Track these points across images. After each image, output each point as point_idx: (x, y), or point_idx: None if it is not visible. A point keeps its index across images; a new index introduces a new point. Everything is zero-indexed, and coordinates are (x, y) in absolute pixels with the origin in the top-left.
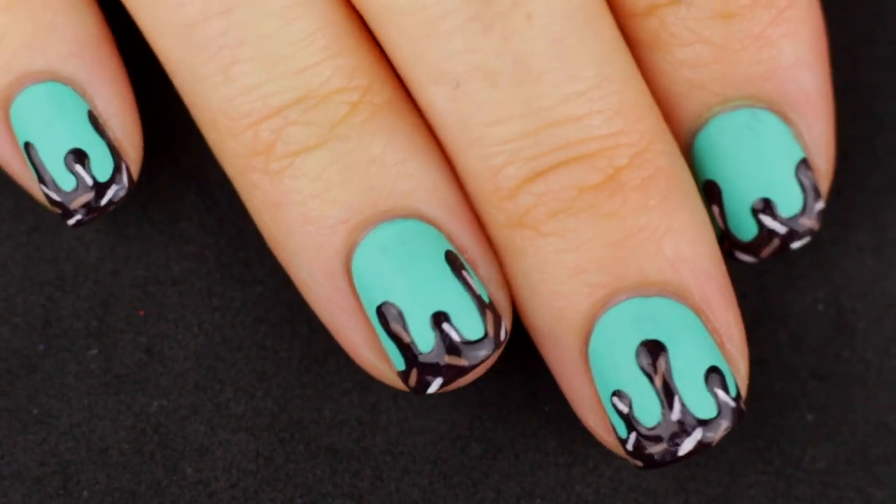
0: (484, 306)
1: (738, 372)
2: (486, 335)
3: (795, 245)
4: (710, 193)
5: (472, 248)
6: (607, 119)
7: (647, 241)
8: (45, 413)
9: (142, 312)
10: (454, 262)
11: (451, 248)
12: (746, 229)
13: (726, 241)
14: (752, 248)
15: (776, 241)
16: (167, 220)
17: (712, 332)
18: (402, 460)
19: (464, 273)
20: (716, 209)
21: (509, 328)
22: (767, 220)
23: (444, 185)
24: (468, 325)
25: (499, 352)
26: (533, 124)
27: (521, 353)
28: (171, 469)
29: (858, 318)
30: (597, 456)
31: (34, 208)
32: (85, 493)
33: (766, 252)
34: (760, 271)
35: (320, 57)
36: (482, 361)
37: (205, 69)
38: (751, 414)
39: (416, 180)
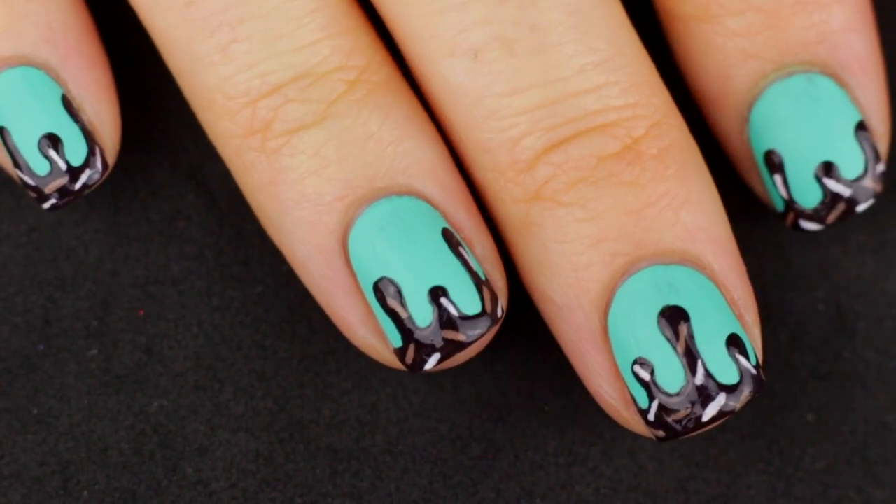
0: (480, 283)
1: (755, 341)
2: (483, 311)
3: (860, 208)
4: (771, 163)
5: (467, 227)
6: (623, 90)
7: (665, 210)
8: (45, 413)
9: (141, 312)
10: (451, 239)
11: (447, 225)
12: (811, 195)
13: (791, 211)
14: (817, 214)
15: (841, 205)
16: (167, 220)
17: (730, 302)
18: (402, 460)
19: (460, 250)
20: (778, 178)
21: (505, 307)
22: (831, 184)
23: (440, 165)
24: (466, 300)
25: (495, 329)
26: (551, 94)
27: (521, 354)
28: (171, 469)
29: (858, 318)
30: (597, 456)
31: (34, 208)
32: (85, 493)
33: (832, 217)
34: (760, 271)
35: (319, 35)
36: (479, 337)
37: (203, 47)
38: (751, 414)
39: (413, 158)
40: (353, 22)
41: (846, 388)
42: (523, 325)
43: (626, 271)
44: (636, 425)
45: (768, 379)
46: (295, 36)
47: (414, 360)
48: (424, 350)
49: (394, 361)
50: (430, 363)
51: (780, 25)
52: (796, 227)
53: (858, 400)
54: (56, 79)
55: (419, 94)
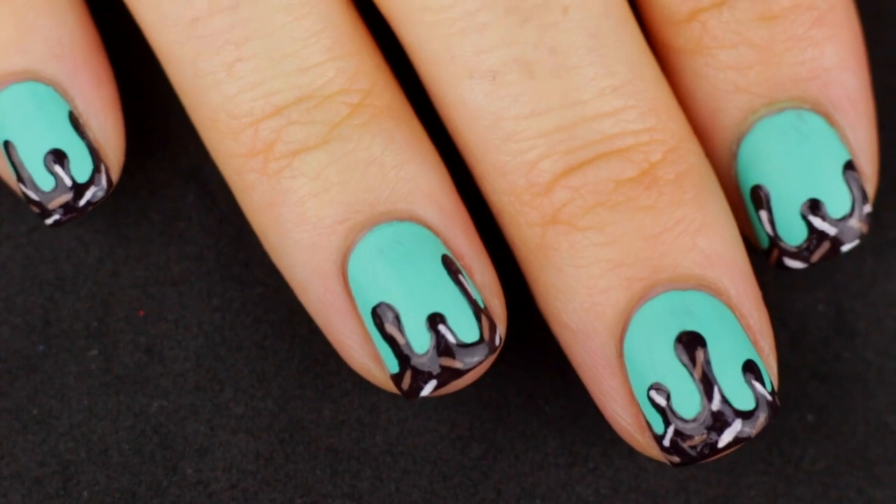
0: (479, 311)
1: (771, 369)
2: (481, 339)
3: (845, 248)
4: (757, 198)
5: (468, 255)
6: (641, 115)
7: (682, 235)
8: (45, 413)
9: (142, 313)
10: (450, 266)
11: (447, 252)
12: (796, 233)
13: (775, 248)
14: (802, 253)
15: (826, 244)
16: (167, 221)
17: (746, 328)
18: (402, 460)
19: (460, 277)
20: (764, 214)
21: (503, 335)
22: (817, 222)
23: (441, 191)
24: (464, 327)
25: (492, 358)
26: (569, 117)
27: (521, 354)
28: (171, 469)
29: (858, 318)
30: (597, 456)
31: None
32: (85, 493)
33: (816, 256)
34: (761, 271)
35: (324, 57)
36: (476, 365)
37: (208, 65)
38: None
39: (414, 183)
40: (359, 44)
41: (846, 389)
42: (523, 325)
43: (643, 296)
44: (651, 450)
45: None
46: (300, 56)
47: (410, 386)
48: (421, 377)
49: (390, 386)
50: (427, 390)
51: (772, 60)
52: (780, 264)
53: (858, 400)
54: (63, 95)
55: (422, 118)
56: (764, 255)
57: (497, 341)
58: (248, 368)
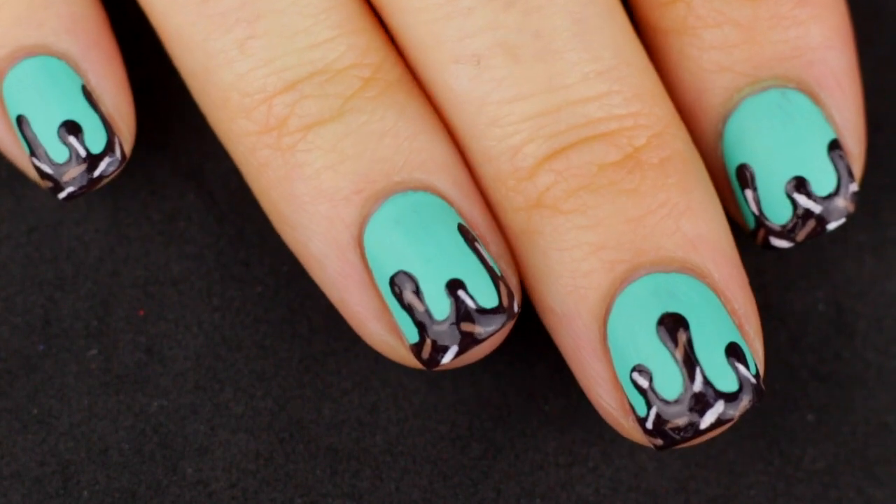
0: (497, 278)
1: (756, 353)
2: (500, 305)
3: (831, 226)
4: (743, 178)
5: (482, 225)
6: (626, 100)
7: (666, 218)
8: (45, 413)
9: (141, 312)
10: (467, 235)
11: (462, 221)
12: (781, 211)
13: (761, 228)
14: (787, 231)
15: (812, 222)
16: (167, 220)
17: (731, 312)
18: (402, 460)
19: (476, 245)
20: (749, 193)
21: (520, 304)
22: (802, 200)
23: (453, 162)
24: (483, 293)
25: (510, 325)
26: (553, 101)
27: (520, 354)
28: (171, 469)
29: (858, 318)
30: (597, 456)
31: (35, 208)
32: (85, 493)
33: (801, 234)
34: (760, 271)
35: (335, 33)
36: (495, 332)
37: (219, 44)
38: (751, 414)
39: (428, 154)
40: (366, 22)
41: (846, 389)
42: (523, 325)
43: (626, 279)
44: (635, 434)
45: (768, 379)
46: (311, 32)
47: (430, 355)
48: (441, 344)
49: (409, 358)
50: (447, 357)
51: (755, 39)
52: (766, 244)
53: (858, 400)
54: (76, 69)
55: None
56: (751, 237)
57: (515, 308)
58: (247, 368)
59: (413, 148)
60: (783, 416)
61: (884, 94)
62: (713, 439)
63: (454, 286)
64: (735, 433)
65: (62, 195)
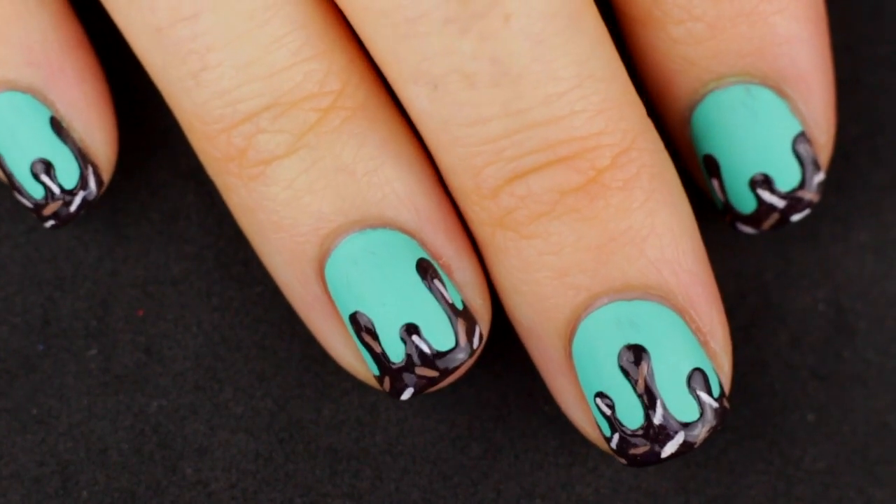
0: (457, 314)
1: (722, 369)
2: (457, 344)
3: (795, 217)
4: (710, 167)
5: (447, 253)
6: (589, 119)
7: (629, 245)
8: (45, 413)
9: (141, 312)
10: (426, 271)
11: (424, 255)
12: (746, 203)
13: (728, 213)
14: (752, 220)
15: (775, 215)
16: (166, 220)
17: (696, 331)
18: (402, 460)
19: (436, 282)
20: (715, 182)
21: (485, 333)
22: (765, 195)
23: (417, 190)
24: (439, 335)
25: (473, 359)
26: (512, 125)
27: (520, 354)
28: (170, 469)
29: (858, 318)
30: (597, 456)
31: None
32: (84, 493)
33: (766, 224)
34: (760, 271)
35: (291, 61)
36: (454, 370)
37: (176, 73)
38: (751, 414)
39: (389, 188)
40: (330, 43)
41: (846, 388)
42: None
43: (589, 305)
44: (604, 447)
45: (768, 379)
46: (265, 62)
47: (392, 388)
48: (399, 382)
49: (376, 384)
50: (406, 395)
51: (720, 36)
52: (734, 227)
53: (859, 400)
54: (43, 100)
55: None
56: (721, 215)
57: (475, 343)
58: (247, 368)
59: (372, 183)
60: (783, 416)
61: (884, 94)
62: (713, 439)
63: (410, 330)
64: (735, 433)
65: (47, 225)
